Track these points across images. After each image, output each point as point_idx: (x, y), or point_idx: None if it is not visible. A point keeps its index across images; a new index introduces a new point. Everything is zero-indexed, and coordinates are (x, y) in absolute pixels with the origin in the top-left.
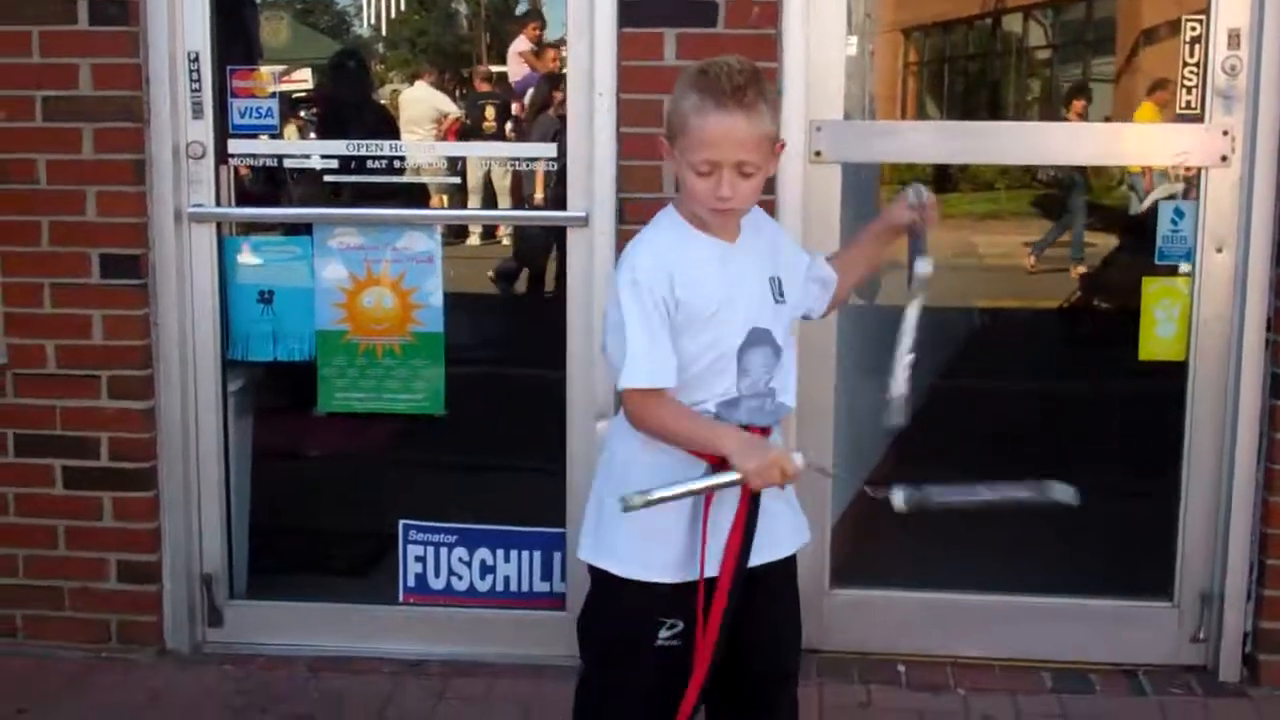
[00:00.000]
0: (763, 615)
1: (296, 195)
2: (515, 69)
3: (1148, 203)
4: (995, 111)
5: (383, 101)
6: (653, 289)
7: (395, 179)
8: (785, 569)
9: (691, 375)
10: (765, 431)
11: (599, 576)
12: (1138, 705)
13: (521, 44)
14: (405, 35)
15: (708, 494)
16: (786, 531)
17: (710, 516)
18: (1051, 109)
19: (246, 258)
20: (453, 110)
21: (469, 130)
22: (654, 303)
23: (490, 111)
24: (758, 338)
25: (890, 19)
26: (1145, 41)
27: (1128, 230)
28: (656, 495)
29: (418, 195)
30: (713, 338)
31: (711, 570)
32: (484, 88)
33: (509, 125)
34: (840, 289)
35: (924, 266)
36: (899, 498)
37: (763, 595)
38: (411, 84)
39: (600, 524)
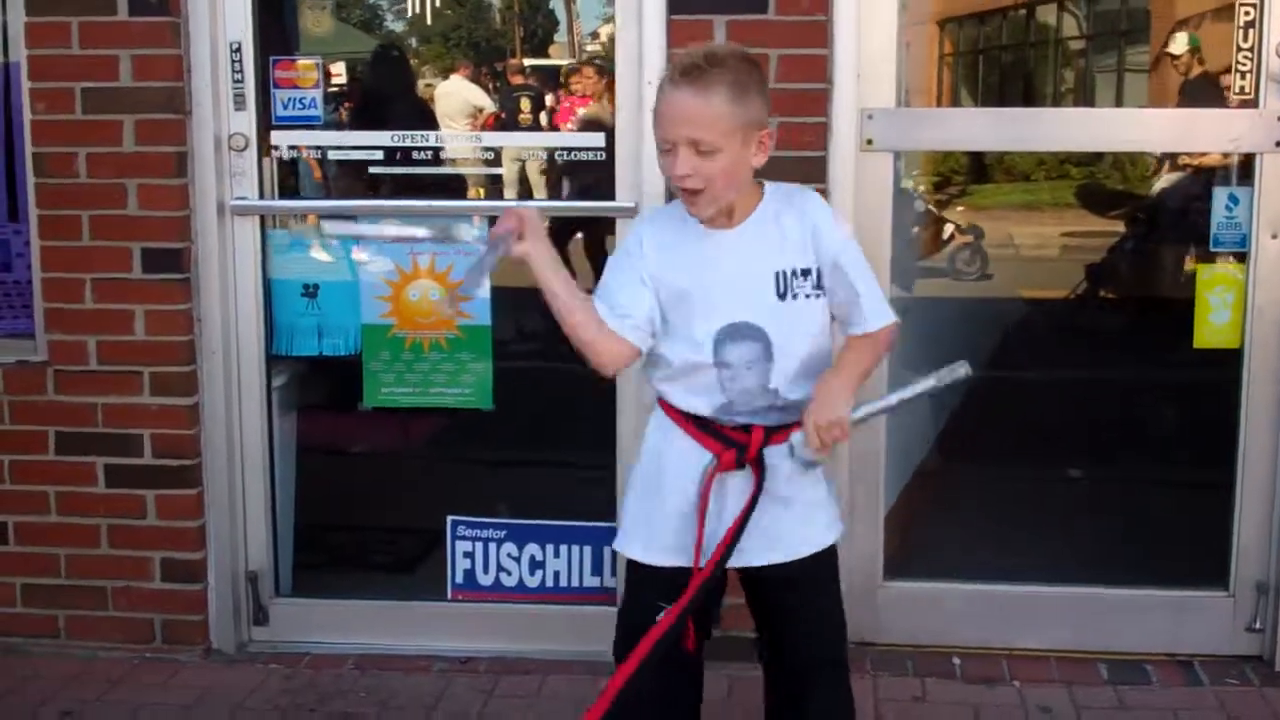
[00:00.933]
0: (796, 613)
1: (340, 187)
2: None
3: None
4: (1030, 102)
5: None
6: (629, 250)
7: (440, 170)
8: (813, 570)
9: (677, 366)
10: (790, 427)
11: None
12: (1195, 696)
13: None
14: (439, 29)
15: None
16: (792, 539)
17: (710, 507)
18: (1086, 99)
19: (289, 251)
20: (488, 104)
21: (504, 124)
22: (624, 255)
23: (525, 104)
24: (740, 332)
25: (925, 10)
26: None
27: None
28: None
29: (462, 187)
30: (685, 320)
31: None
32: (518, 80)
33: (543, 117)
34: None
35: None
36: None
37: (793, 594)
38: (446, 78)
39: (623, 510)
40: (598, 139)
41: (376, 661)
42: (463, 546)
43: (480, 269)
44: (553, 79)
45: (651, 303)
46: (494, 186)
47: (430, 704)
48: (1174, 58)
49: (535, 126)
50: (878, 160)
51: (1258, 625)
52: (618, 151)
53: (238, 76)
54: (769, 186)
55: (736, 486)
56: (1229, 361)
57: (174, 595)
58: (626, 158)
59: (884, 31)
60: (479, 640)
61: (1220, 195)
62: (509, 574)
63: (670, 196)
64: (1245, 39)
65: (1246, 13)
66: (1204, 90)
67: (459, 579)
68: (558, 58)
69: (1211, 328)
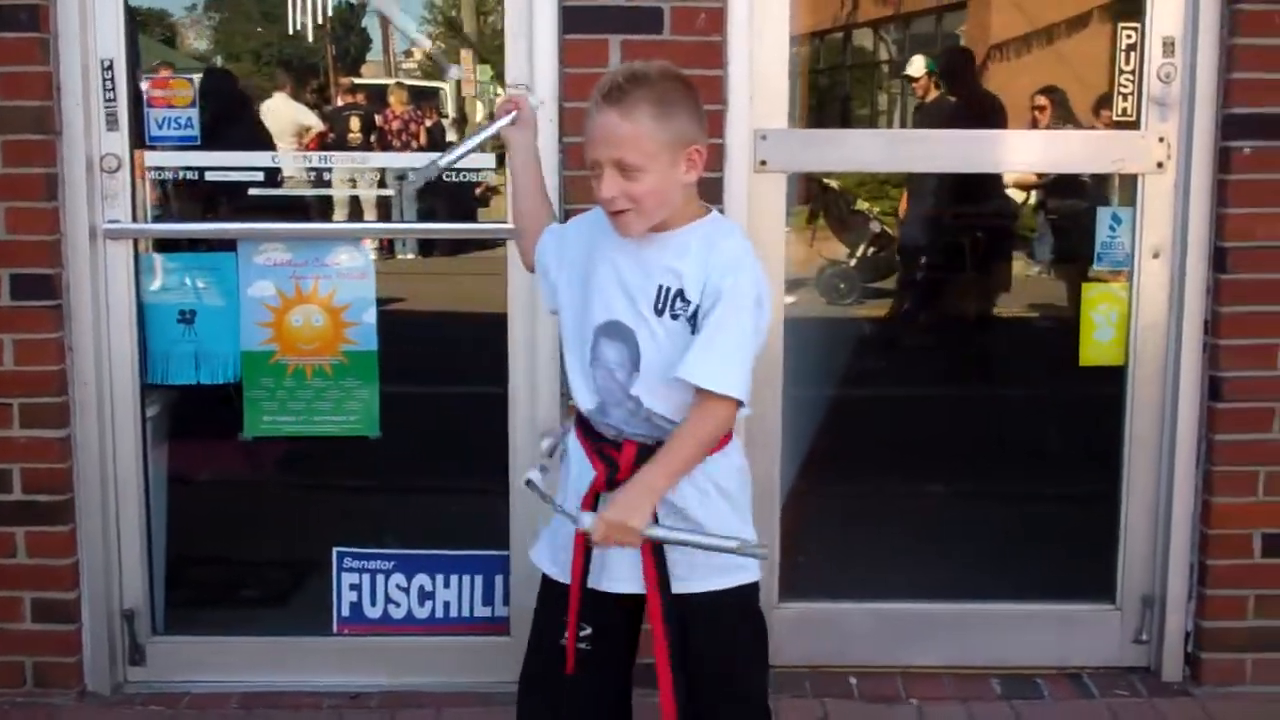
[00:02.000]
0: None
1: (219, 210)
2: None
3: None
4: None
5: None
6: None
7: (319, 192)
8: (707, 603)
9: (570, 347)
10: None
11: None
12: (1086, 708)
13: None
14: (251, 47)
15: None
16: (625, 569)
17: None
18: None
19: (165, 276)
20: (315, 123)
21: (333, 143)
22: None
23: (355, 123)
24: (615, 331)
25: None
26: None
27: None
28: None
29: (344, 209)
30: (579, 312)
31: (600, 584)
32: (347, 99)
33: (373, 137)
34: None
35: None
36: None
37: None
38: (270, 96)
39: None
40: (489, 159)
41: (262, 699)
42: (349, 579)
43: (477, 138)
44: (378, 98)
45: (555, 255)
46: (378, 209)
47: None
48: (911, 80)
49: (366, 145)
50: (771, 181)
51: (1144, 637)
52: (509, 172)
53: (109, 95)
54: (714, 217)
55: None
56: (1113, 378)
57: (46, 636)
58: None
59: (777, 52)
60: (369, 674)
61: (1104, 215)
62: (398, 605)
63: (565, 218)
64: (1127, 62)
65: (1129, 36)
66: (940, 113)
67: (345, 612)
68: (371, 76)
69: (1096, 345)
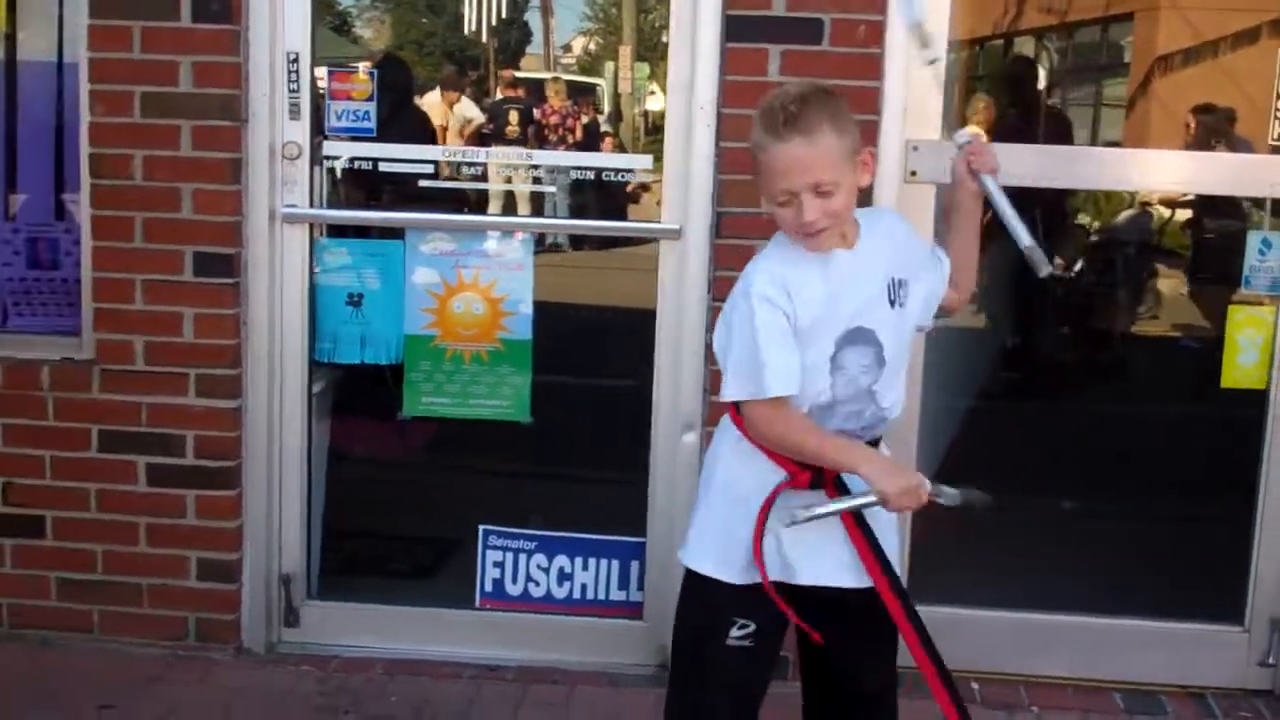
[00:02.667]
0: (850, 631)
1: (388, 199)
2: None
3: None
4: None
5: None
6: (774, 300)
7: (482, 185)
8: (870, 595)
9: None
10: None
11: (686, 575)
12: None
13: None
14: (413, 39)
15: (845, 513)
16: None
17: (767, 522)
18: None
19: (337, 260)
20: (477, 116)
21: (492, 136)
22: (775, 312)
23: (514, 117)
24: (859, 337)
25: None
26: (1161, 69)
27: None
28: (818, 512)
29: (501, 202)
30: (815, 340)
31: (775, 574)
32: (506, 93)
33: (530, 130)
34: (961, 288)
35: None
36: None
37: (850, 613)
38: (434, 89)
39: (690, 524)
40: (646, 160)
41: (405, 666)
42: (493, 556)
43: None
44: (536, 92)
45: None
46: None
47: (462, 710)
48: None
49: (524, 139)
50: (921, 191)
51: (1271, 660)
52: (665, 173)
53: (294, 86)
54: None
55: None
56: (1254, 401)
57: (209, 594)
58: (674, 179)
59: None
60: (507, 648)
61: (1254, 239)
62: (538, 584)
63: (717, 222)
64: None
65: None
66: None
67: (488, 588)
68: (531, 70)
69: (1240, 368)
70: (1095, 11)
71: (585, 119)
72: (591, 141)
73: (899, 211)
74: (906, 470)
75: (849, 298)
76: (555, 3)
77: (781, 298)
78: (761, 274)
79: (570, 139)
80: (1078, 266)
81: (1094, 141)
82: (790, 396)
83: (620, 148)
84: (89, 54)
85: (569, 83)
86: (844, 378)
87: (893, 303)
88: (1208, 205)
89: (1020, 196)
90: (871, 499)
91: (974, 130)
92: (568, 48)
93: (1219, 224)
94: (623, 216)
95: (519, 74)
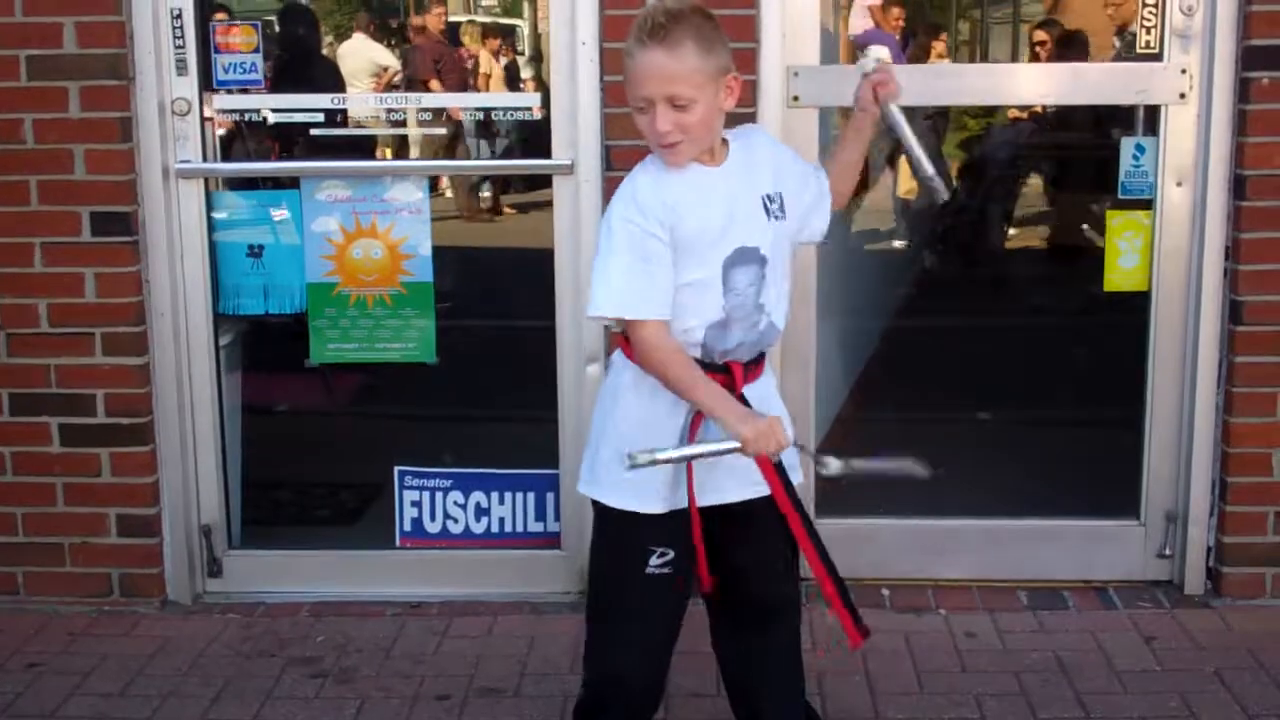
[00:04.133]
0: (749, 546)
1: (283, 149)
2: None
3: None
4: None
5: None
6: (646, 220)
7: (381, 131)
8: (768, 505)
9: (678, 302)
10: (758, 361)
11: (596, 508)
12: (1110, 619)
13: None
14: None
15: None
16: (733, 480)
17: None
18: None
19: (235, 213)
20: (392, 63)
21: (408, 82)
22: (649, 234)
23: (420, 59)
24: (744, 256)
25: None
26: None
27: None
28: (662, 456)
29: (401, 147)
30: (700, 261)
31: (702, 500)
32: (419, 40)
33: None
34: (836, 195)
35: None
36: (832, 466)
37: (748, 527)
38: (349, 37)
39: (595, 459)
40: (533, 99)
41: (331, 608)
42: (410, 496)
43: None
44: (454, 35)
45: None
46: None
47: (387, 646)
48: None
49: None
50: (804, 116)
51: (1168, 552)
52: (553, 109)
53: (179, 42)
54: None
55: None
56: (1137, 303)
57: (130, 549)
58: (562, 116)
59: None
60: (429, 585)
61: (1127, 145)
62: (456, 521)
63: (607, 155)
64: None
65: None
66: None
67: (407, 527)
68: (451, 13)
69: (1120, 271)
70: None
71: (504, 60)
72: (512, 83)
73: (778, 134)
74: (761, 415)
75: (722, 214)
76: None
77: (648, 220)
78: (625, 197)
79: (487, 82)
80: (952, 188)
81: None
82: (666, 321)
83: (543, 87)
84: None
85: (486, 25)
86: (735, 297)
87: (769, 215)
88: (1077, 114)
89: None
90: (731, 445)
91: (879, 56)
92: None
93: (1090, 134)
94: (516, 155)
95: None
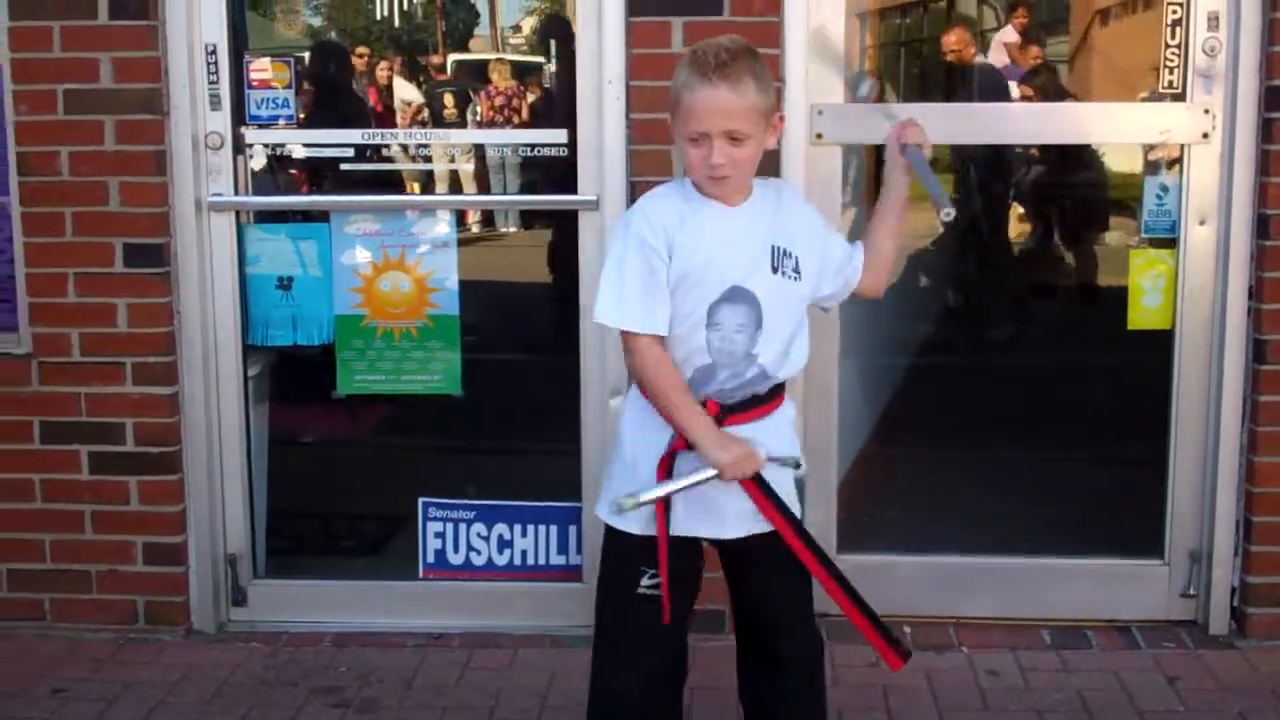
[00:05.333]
0: (763, 584)
1: (313, 183)
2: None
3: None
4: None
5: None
6: (647, 242)
7: (411, 166)
8: (775, 547)
9: (674, 333)
10: (750, 405)
11: (605, 530)
12: (1134, 658)
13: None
14: (362, 24)
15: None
16: (734, 515)
17: (673, 475)
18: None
19: (265, 245)
20: (416, 98)
21: (433, 119)
22: (654, 250)
23: (449, 100)
24: (737, 295)
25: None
26: (1100, 23)
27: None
28: (645, 497)
29: (430, 182)
30: (700, 290)
31: (676, 529)
32: (442, 77)
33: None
34: (872, 275)
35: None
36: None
37: (760, 566)
38: (373, 73)
39: (607, 482)
40: (560, 135)
41: (353, 639)
42: (434, 527)
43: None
44: (476, 74)
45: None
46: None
47: (408, 677)
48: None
49: (461, 121)
50: (828, 153)
51: (1191, 591)
52: (579, 146)
53: (213, 77)
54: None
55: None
56: (1160, 341)
57: (156, 577)
58: (588, 152)
59: (831, 30)
60: (451, 617)
61: (1151, 185)
62: (479, 553)
63: (632, 192)
64: (1173, 36)
65: (1174, 11)
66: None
67: (430, 559)
68: (479, 52)
69: (1144, 310)
70: None
71: (531, 98)
72: (538, 119)
73: (802, 171)
74: (738, 440)
75: (724, 254)
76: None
77: (656, 240)
78: (640, 214)
79: (516, 119)
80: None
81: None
82: (662, 339)
83: (569, 124)
84: (11, 55)
85: (513, 62)
86: (718, 334)
87: (775, 269)
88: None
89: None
90: (708, 474)
91: (907, 113)
92: (516, 28)
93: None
94: (543, 191)
95: (461, 57)
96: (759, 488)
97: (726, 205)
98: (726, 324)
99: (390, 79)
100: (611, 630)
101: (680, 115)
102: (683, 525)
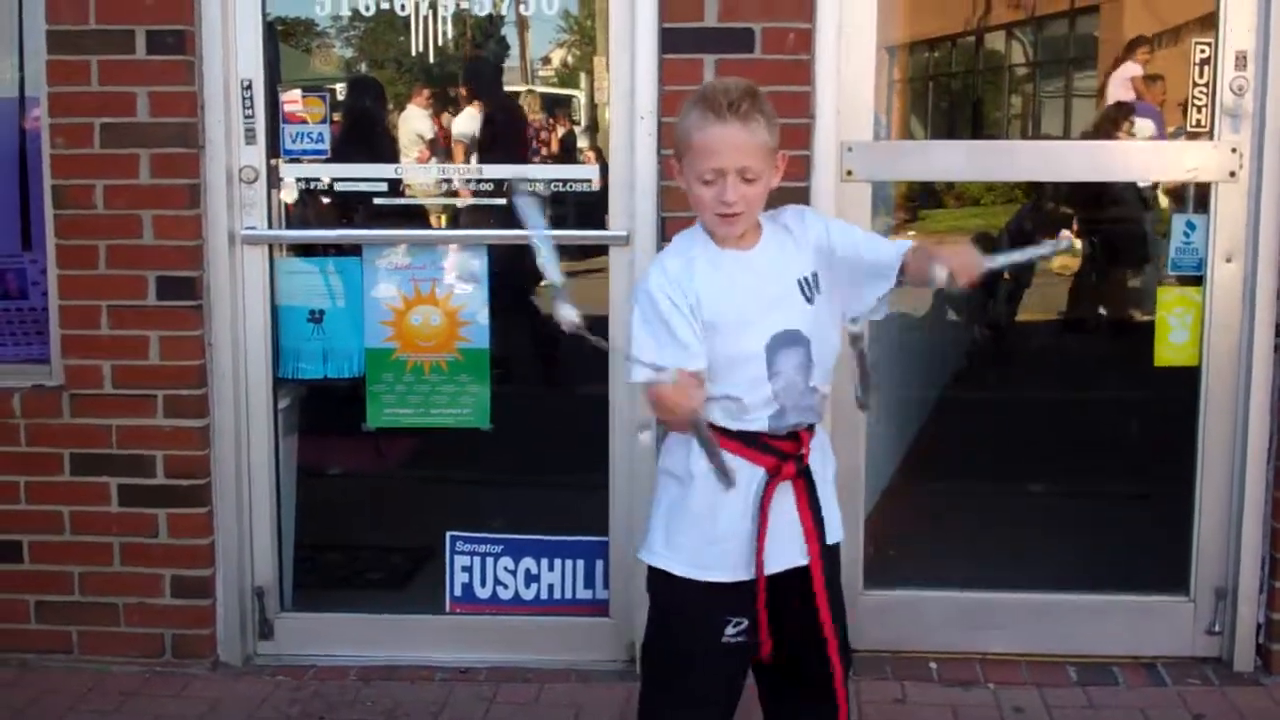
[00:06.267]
0: (799, 614)
1: (347, 217)
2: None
3: None
4: (978, 128)
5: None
6: (664, 291)
7: (442, 200)
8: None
9: (733, 388)
10: (811, 429)
11: (662, 581)
12: (1159, 695)
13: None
14: (391, 56)
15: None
16: (795, 540)
17: (769, 518)
18: (1034, 125)
19: (297, 279)
20: (455, 132)
21: (472, 149)
22: (660, 302)
23: (498, 132)
24: (787, 339)
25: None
26: (1128, 58)
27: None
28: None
29: (460, 216)
30: (733, 341)
31: (769, 568)
32: (488, 108)
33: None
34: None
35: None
36: None
37: (798, 595)
38: (404, 107)
39: (655, 528)
40: (592, 170)
41: (380, 672)
42: (461, 561)
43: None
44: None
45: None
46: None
47: (434, 711)
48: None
49: (507, 156)
50: (857, 190)
51: (1217, 628)
52: (611, 181)
53: (248, 112)
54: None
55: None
56: (1188, 378)
57: (184, 610)
58: (619, 187)
59: (862, 68)
60: (478, 651)
61: (1178, 222)
62: (506, 587)
63: (662, 227)
64: (1201, 75)
65: (1202, 50)
66: None
67: (457, 592)
68: (510, 85)
69: (1171, 346)
70: (1062, 4)
71: (561, 130)
72: (568, 152)
73: (832, 208)
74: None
75: (758, 298)
76: (532, 18)
77: (673, 290)
78: (655, 271)
79: (545, 151)
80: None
81: (1066, 135)
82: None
83: (600, 156)
84: (49, 88)
85: (543, 95)
86: (782, 380)
87: (808, 299)
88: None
89: None
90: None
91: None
92: (546, 60)
93: (1138, 210)
94: (575, 225)
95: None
96: (811, 509)
97: (743, 250)
98: (787, 368)
99: (419, 112)
100: (682, 684)
101: (692, 155)
102: (772, 563)
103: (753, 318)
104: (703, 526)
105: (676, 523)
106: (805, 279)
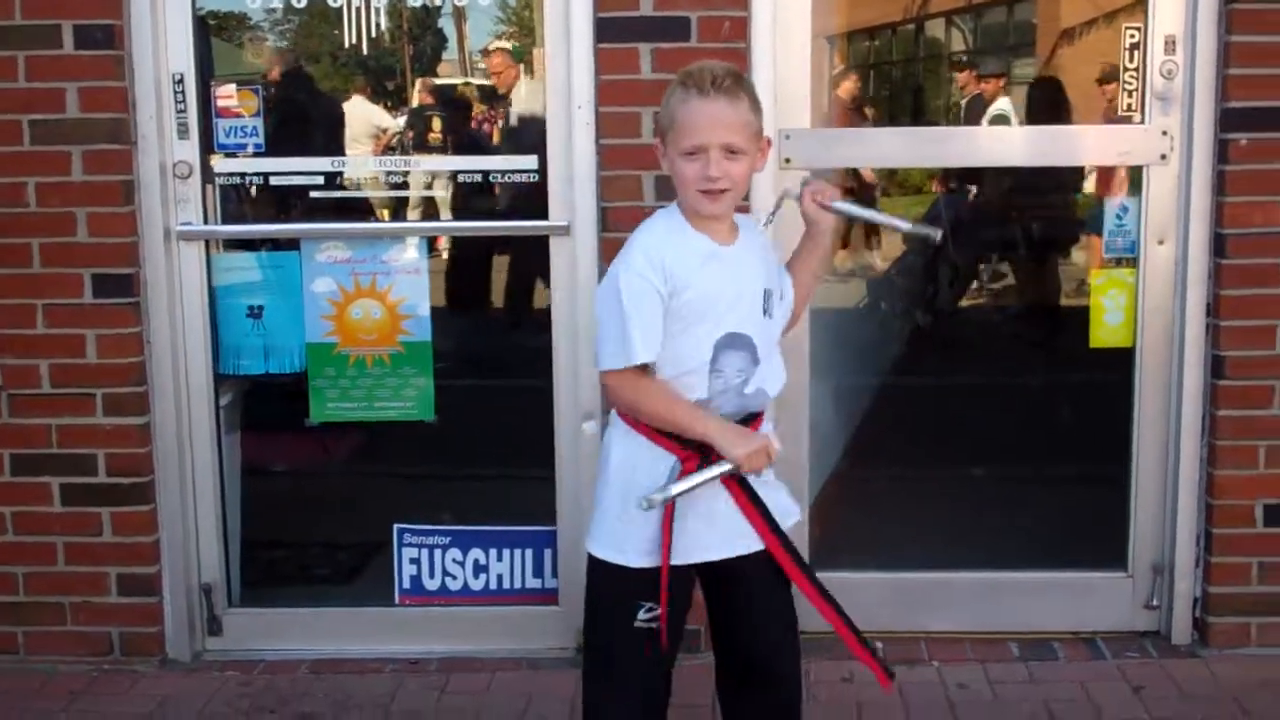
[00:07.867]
0: (747, 606)
1: (282, 211)
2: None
3: None
4: (919, 115)
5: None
6: (645, 275)
7: (382, 193)
8: (765, 563)
9: (677, 372)
10: (750, 420)
11: (589, 561)
12: (1099, 669)
13: None
14: (327, 49)
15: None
16: (727, 535)
17: (675, 506)
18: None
19: (235, 274)
20: (391, 124)
21: (413, 143)
22: (639, 288)
23: (436, 124)
24: (736, 342)
25: (816, 26)
26: (1065, 43)
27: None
28: (674, 491)
29: (400, 208)
30: (697, 333)
31: (677, 559)
32: (425, 100)
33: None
34: (797, 304)
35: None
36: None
37: (744, 586)
38: (348, 99)
39: (597, 517)
40: (531, 161)
41: (330, 665)
42: (409, 553)
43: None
44: (451, 98)
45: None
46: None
47: (385, 703)
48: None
49: (444, 146)
50: (796, 178)
51: (1155, 603)
52: (549, 172)
53: (181, 106)
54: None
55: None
56: (1122, 359)
57: (130, 608)
58: (558, 179)
59: (798, 55)
60: (428, 642)
61: (1110, 206)
62: (454, 578)
63: (602, 217)
64: (1131, 60)
65: (1132, 35)
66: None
67: (406, 584)
68: (447, 76)
69: (1106, 328)
70: None
71: (502, 122)
72: (507, 143)
73: (771, 197)
74: (752, 433)
75: (722, 294)
76: (468, 8)
77: (655, 275)
78: (639, 251)
79: (484, 142)
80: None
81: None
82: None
83: (539, 147)
84: None
85: (482, 87)
86: (720, 380)
87: (765, 312)
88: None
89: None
90: (725, 467)
91: (801, 176)
92: (485, 52)
93: (1071, 194)
94: (513, 216)
95: (436, 81)
96: (751, 503)
97: (719, 243)
98: (728, 369)
99: (359, 103)
100: (609, 664)
101: (676, 131)
102: (681, 554)
103: (715, 312)
104: (619, 510)
105: (608, 511)
106: (767, 291)
